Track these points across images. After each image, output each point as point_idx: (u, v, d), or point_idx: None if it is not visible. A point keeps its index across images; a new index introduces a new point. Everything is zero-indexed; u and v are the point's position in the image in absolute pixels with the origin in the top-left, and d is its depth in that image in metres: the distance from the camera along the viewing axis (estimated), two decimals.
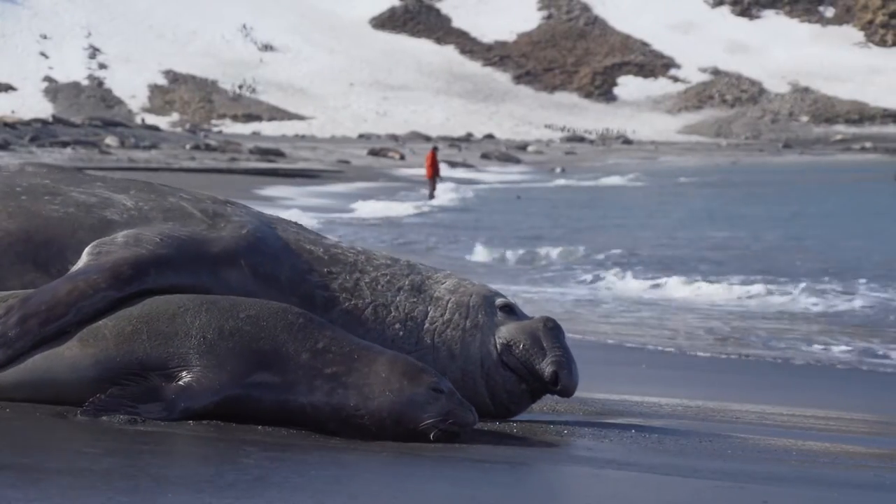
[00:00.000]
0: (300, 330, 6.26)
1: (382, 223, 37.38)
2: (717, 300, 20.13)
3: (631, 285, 21.88)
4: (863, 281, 22.34)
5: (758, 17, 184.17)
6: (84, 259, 6.61)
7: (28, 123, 75.88)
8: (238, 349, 6.19)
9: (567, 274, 24.24)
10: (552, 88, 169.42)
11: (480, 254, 27.68)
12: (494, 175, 76.82)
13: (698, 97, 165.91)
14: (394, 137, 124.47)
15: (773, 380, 12.38)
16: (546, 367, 6.89)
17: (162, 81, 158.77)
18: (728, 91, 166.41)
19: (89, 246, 6.66)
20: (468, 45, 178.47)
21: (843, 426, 8.78)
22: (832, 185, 62.78)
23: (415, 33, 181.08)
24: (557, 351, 6.93)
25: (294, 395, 6.18)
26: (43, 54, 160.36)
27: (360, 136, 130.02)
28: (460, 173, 74.53)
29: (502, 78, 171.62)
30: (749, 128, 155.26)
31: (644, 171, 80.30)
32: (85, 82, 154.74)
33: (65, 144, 62.86)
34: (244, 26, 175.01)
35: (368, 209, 42.21)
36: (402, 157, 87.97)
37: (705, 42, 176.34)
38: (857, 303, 19.57)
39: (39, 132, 69.67)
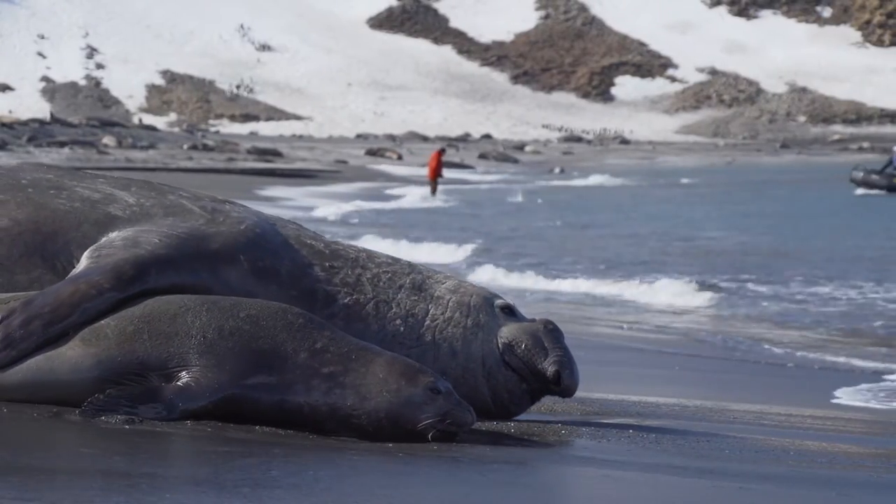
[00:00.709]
0: (299, 330, 6.28)
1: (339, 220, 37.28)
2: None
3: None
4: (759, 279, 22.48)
5: (755, 17, 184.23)
6: (84, 262, 6.63)
7: (25, 123, 75.83)
8: (237, 349, 6.21)
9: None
10: (550, 88, 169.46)
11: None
12: (479, 175, 76.63)
13: (696, 97, 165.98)
14: (391, 137, 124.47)
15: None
16: (548, 367, 6.92)
17: (159, 81, 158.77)
18: (725, 91, 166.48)
19: (88, 250, 6.69)
20: (466, 45, 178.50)
21: (841, 426, 8.79)
22: (810, 186, 62.26)
23: (412, 33, 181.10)
24: (559, 351, 6.98)
25: (292, 395, 6.19)
26: (40, 54, 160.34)
27: (358, 136, 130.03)
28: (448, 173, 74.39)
29: (500, 78, 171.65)
30: (746, 128, 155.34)
31: (621, 172, 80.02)
32: (82, 82, 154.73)
33: (62, 144, 62.84)
34: (242, 26, 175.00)
35: (333, 209, 41.99)
36: (400, 157, 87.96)
37: (703, 42, 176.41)
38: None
39: (37, 132, 69.63)
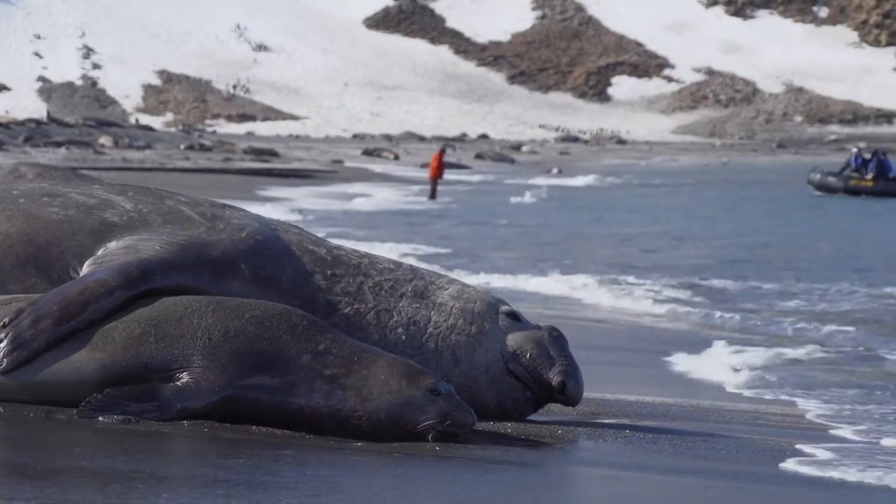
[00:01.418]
0: (303, 332, 6.28)
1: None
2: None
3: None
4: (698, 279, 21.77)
5: (752, 17, 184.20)
6: (86, 269, 6.59)
7: (22, 123, 75.71)
8: (241, 350, 6.21)
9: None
10: (546, 88, 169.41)
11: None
12: (467, 176, 76.35)
13: (692, 97, 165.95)
14: (388, 137, 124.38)
15: None
16: (554, 377, 6.90)
17: (156, 81, 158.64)
18: (722, 91, 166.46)
19: (89, 259, 6.64)
20: (462, 45, 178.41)
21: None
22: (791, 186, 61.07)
23: (409, 33, 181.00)
24: (564, 360, 6.96)
25: (293, 397, 6.20)
26: (37, 54, 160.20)
27: (355, 136, 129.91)
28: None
29: (496, 78, 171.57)
30: (743, 128, 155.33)
31: (609, 172, 79.69)
32: (79, 82, 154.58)
33: (59, 144, 62.75)
34: (238, 26, 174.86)
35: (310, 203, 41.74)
36: (397, 158, 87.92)
37: (699, 42, 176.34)
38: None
39: (33, 132, 69.51)
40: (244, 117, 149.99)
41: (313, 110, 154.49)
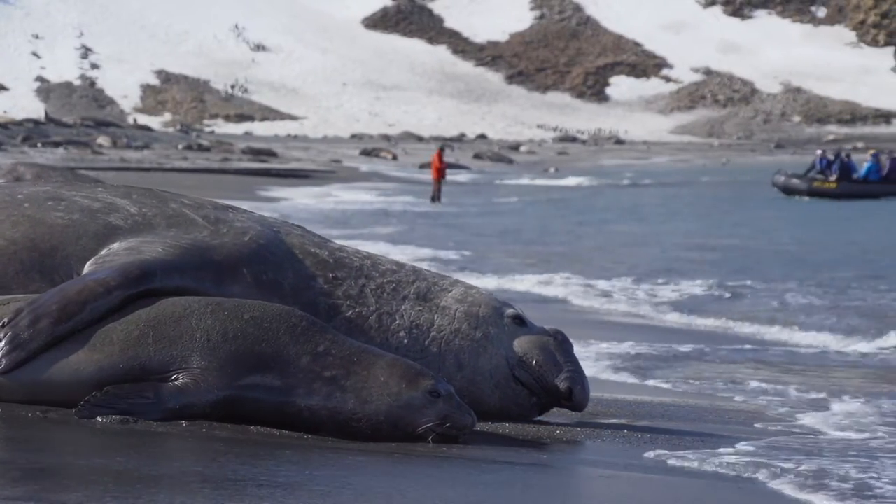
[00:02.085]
0: (302, 333, 6.27)
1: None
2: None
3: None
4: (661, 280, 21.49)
5: (750, 17, 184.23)
6: (87, 269, 6.57)
7: (20, 123, 75.70)
8: (240, 351, 6.20)
9: None
10: (544, 88, 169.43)
11: None
12: (462, 176, 76.25)
13: (690, 97, 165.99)
14: (386, 137, 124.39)
15: None
16: (561, 383, 6.88)
17: (154, 81, 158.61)
18: (720, 91, 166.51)
19: (91, 259, 6.62)
20: (460, 45, 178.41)
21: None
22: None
23: (407, 33, 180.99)
24: (571, 366, 6.93)
25: (292, 398, 6.19)
26: (35, 54, 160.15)
27: (353, 136, 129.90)
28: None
29: (494, 78, 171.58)
30: (741, 128, 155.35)
31: (604, 173, 79.48)
32: (77, 82, 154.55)
33: (57, 144, 62.75)
34: (236, 26, 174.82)
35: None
36: (395, 158, 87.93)
37: (697, 42, 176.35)
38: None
39: (32, 132, 69.50)
40: (242, 117, 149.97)
41: (311, 110, 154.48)
